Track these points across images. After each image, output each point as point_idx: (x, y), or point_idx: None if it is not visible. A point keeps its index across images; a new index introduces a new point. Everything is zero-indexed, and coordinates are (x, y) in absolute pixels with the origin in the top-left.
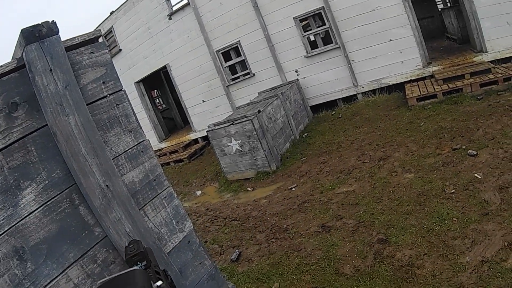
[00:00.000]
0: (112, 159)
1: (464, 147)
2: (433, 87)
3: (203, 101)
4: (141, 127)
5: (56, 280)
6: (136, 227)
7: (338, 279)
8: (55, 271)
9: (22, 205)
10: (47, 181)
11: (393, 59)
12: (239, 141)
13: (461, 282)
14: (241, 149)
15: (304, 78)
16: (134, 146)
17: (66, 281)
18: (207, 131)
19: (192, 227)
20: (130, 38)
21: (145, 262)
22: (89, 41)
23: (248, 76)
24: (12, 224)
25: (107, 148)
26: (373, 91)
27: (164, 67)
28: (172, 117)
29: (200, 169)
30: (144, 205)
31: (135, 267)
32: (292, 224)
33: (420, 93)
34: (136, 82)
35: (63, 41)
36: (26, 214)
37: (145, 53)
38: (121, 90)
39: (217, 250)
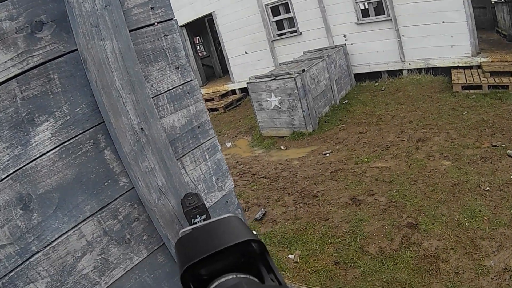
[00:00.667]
0: (152, 97)
1: (504, 145)
2: (480, 78)
3: (246, 53)
4: (190, 65)
5: (66, 235)
6: (170, 181)
7: (361, 257)
8: (66, 225)
9: (34, 144)
10: (68, 117)
11: (443, 42)
12: (279, 98)
13: (481, 286)
14: (279, 106)
15: (352, 44)
16: (179, 85)
17: (78, 238)
18: (247, 83)
19: (232, 186)
20: None
21: (204, 216)
22: None
23: (294, 34)
24: (20, 167)
25: (147, 84)
26: (419, 70)
27: (210, 14)
28: (212, 65)
29: (235, 121)
30: (183, 156)
31: (228, 215)
32: (322, 191)
33: (466, 81)
34: (180, 26)
35: None
36: (38, 155)
37: None
38: (172, 19)
39: (242, 206)
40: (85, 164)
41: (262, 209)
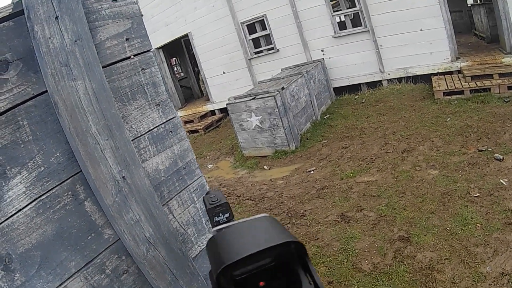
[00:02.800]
0: (132, 140)
1: (490, 149)
2: (461, 83)
3: (224, 73)
4: (171, 101)
5: None
6: (158, 231)
7: (355, 275)
8: (51, 284)
9: (8, 200)
10: (42, 168)
11: (422, 50)
12: (260, 117)
13: None
14: (260, 125)
15: (329, 58)
16: (161, 124)
17: None
18: (226, 104)
19: None
20: (153, 4)
21: (227, 214)
22: None
23: (272, 51)
24: None
25: (126, 126)
26: (399, 79)
27: (186, 35)
28: (190, 86)
29: (215, 142)
30: (170, 200)
31: (263, 214)
32: (309, 210)
33: (447, 87)
34: (156, 48)
35: None
36: (14, 212)
37: (167, 20)
38: (149, 51)
39: None
40: (65, 219)
41: None
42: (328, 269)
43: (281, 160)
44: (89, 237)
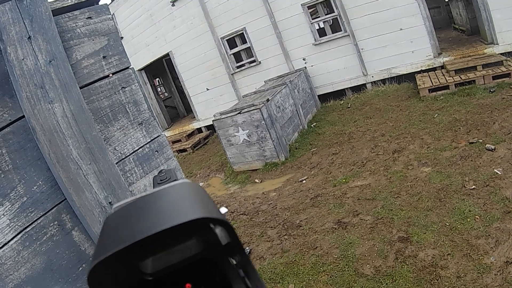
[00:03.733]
0: (117, 163)
1: (481, 141)
2: (445, 78)
3: (207, 89)
4: (155, 118)
5: None
6: None
7: (358, 280)
8: None
9: None
10: (25, 198)
11: (404, 49)
12: (247, 131)
13: (486, 284)
14: (248, 139)
15: (312, 66)
16: (146, 144)
17: None
18: (213, 120)
19: None
20: (132, 26)
21: None
22: (87, 2)
23: (254, 63)
24: None
25: (110, 148)
26: (383, 81)
27: (167, 54)
28: (175, 106)
29: (205, 159)
30: None
31: (181, 180)
32: (305, 219)
33: (432, 84)
34: (138, 70)
35: (50, 1)
36: None
37: (147, 40)
38: (128, 68)
39: None
40: (53, 250)
41: (247, 247)
42: (330, 277)
43: (272, 172)
44: (80, 268)
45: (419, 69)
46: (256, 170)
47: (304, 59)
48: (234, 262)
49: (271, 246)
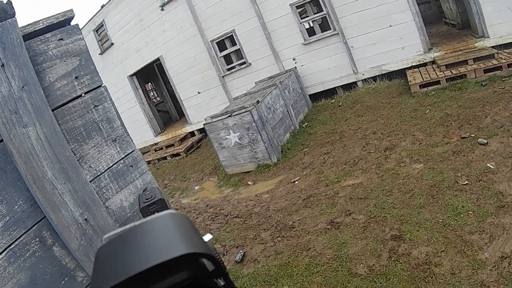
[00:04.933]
0: (92, 180)
1: (473, 135)
2: (436, 73)
3: (199, 93)
4: (128, 134)
5: None
6: None
7: (352, 280)
8: None
9: None
10: (7, 217)
11: (394, 45)
12: (238, 134)
13: (481, 280)
14: (240, 142)
15: (302, 66)
16: (120, 160)
17: None
18: (204, 124)
19: None
20: (122, 31)
21: None
22: (58, 24)
23: (244, 65)
24: None
25: (85, 166)
26: (374, 78)
27: (158, 59)
28: (167, 110)
29: (198, 163)
30: None
31: (167, 211)
32: (298, 220)
33: (423, 79)
34: (130, 75)
35: (22, 26)
36: None
37: (138, 45)
38: (100, 86)
39: (220, 250)
40: (36, 265)
41: (241, 250)
42: (324, 278)
43: (264, 174)
44: (63, 281)
45: (409, 65)
46: (248, 172)
47: (294, 59)
48: (220, 284)
49: (265, 248)
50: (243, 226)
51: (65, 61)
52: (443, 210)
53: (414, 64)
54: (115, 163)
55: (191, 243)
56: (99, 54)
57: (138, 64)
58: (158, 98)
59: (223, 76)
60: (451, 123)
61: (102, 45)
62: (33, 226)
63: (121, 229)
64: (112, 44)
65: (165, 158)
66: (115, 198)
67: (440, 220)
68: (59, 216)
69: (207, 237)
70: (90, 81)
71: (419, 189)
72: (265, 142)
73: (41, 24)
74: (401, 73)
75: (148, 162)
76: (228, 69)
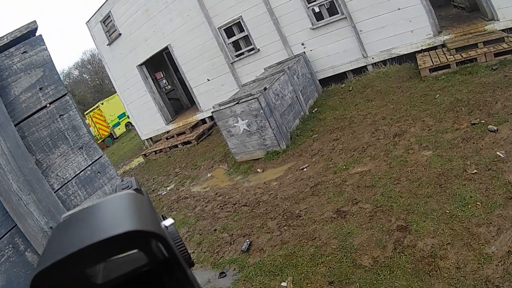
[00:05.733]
0: (60, 188)
1: (483, 121)
2: (446, 57)
3: (208, 80)
4: (95, 141)
5: None
6: None
7: (355, 272)
8: None
9: None
10: None
11: (403, 29)
12: (246, 121)
13: (487, 276)
14: (248, 129)
15: (311, 50)
16: (87, 166)
17: None
18: (212, 112)
19: None
20: (129, 21)
21: None
22: (22, 37)
23: (252, 51)
24: None
25: (52, 175)
26: (384, 62)
27: (166, 48)
28: (178, 98)
29: (209, 151)
30: None
31: (125, 191)
32: (305, 209)
33: (433, 63)
34: (139, 65)
35: None
36: None
37: (146, 35)
38: (65, 95)
39: (227, 239)
40: (11, 270)
41: (247, 240)
42: (328, 268)
43: (273, 161)
44: None
45: (419, 49)
46: (258, 159)
47: (303, 44)
48: (174, 277)
49: (271, 237)
50: (250, 214)
51: (29, 74)
52: (451, 200)
53: (424, 48)
54: (82, 170)
55: (141, 222)
56: (107, 45)
57: (146, 53)
58: (169, 86)
59: (232, 63)
60: (461, 109)
61: (110, 35)
62: (6, 234)
63: (79, 208)
64: (120, 34)
65: (176, 146)
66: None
67: (447, 211)
68: (26, 225)
69: (168, 222)
70: (54, 91)
71: (427, 177)
72: (273, 129)
73: (5, 39)
74: (411, 57)
75: (160, 151)
76: (237, 56)
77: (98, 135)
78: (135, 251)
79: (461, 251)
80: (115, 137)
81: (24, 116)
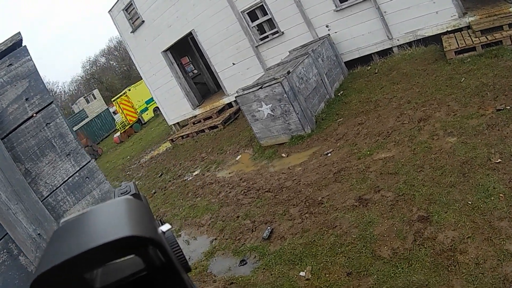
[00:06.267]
0: (49, 195)
1: (508, 107)
2: (471, 39)
3: (233, 64)
4: (82, 147)
5: None
6: None
7: (374, 263)
8: None
9: None
10: None
11: (427, 10)
12: (270, 105)
13: (505, 274)
14: (272, 113)
15: (335, 33)
16: (75, 172)
17: None
18: (236, 97)
19: None
20: (152, 8)
21: None
22: (7, 50)
23: (277, 34)
24: None
25: (41, 183)
26: (409, 44)
27: (190, 33)
28: (205, 82)
29: (235, 135)
30: None
31: (123, 197)
32: (327, 196)
33: (458, 45)
34: (163, 51)
35: None
36: None
37: (169, 21)
38: (51, 103)
39: (249, 226)
40: (6, 273)
41: (269, 227)
42: (347, 259)
43: (298, 146)
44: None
45: (444, 30)
46: (282, 144)
47: (327, 26)
48: (170, 283)
49: (292, 225)
50: (273, 201)
51: (15, 85)
52: (473, 191)
53: (449, 29)
54: (70, 176)
55: (137, 227)
56: (131, 32)
57: (170, 39)
58: (195, 71)
59: (256, 46)
60: (487, 93)
61: (133, 23)
62: (0, 239)
63: (77, 213)
64: (143, 21)
65: (203, 131)
66: (72, 209)
67: (469, 202)
68: (16, 233)
69: (166, 227)
70: (40, 100)
71: (451, 165)
72: (297, 113)
73: None
74: (436, 39)
75: (187, 135)
76: (261, 39)
77: (125, 121)
78: (132, 256)
79: (481, 245)
80: (143, 122)
81: (12, 128)
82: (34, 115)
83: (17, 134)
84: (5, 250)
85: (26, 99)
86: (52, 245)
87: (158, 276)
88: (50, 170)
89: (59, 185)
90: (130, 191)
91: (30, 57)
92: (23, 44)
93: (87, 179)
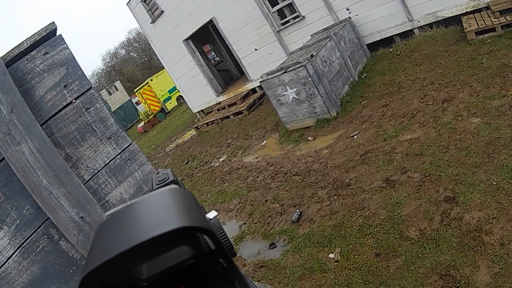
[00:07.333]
0: (90, 178)
1: None
2: (491, 19)
3: (256, 50)
4: (123, 130)
5: None
6: None
7: (402, 244)
8: None
9: None
10: (18, 221)
11: None
12: (295, 89)
13: None
14: (297, 97)
15: (356, 15)
16: (117, 155)
17: None
18: (260, 82)
19: None
20: None
21: None
22: (42, 40)
23: (298, 19)
24: None
25: (82, 167)
26: (430, 25)
27: (210, 21)
28: (228, 69)
29: (260, 120)
30: None
31: (168, 187)
32: (354, 178)
33: (478, 26)
34: (184, 40)
35: (8, 51)
36: (5, 260)
37: (188, 10)
38: (90, 89)
39: (278, 209)
40: (46, 258)
41: (298, 210)
42: (376, 240)
43: (324, 129)
44: (71, 270)
45: (464, 11)
46: (308, 127)
47: (347, 9)
48: (220, 268)
49: (321, 207)
50: (301, 184)
51: (52, 73)
52: (498, 171)
53: (469, 10)
54: (112, 159)
55: (188, 217)
56: (151, 23)
57: (191, 28)
58: (217, 58)
59: (278, 31)
60: (508, 74)
61: (152, 14)
62: (40, 226)
63: (122, 206)
64: (162, 11)
65: (228, 117)
66: (114, 192)
67: (494, 183)
68: (57, 217)
69: (212, 214)
70: (79, 86)
71: (475, 146)
72: (322, 96)
73: (25, 44)
74: (456, 20)
75: (212, 122)
76: (283, 24)
77: (149, 111)
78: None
79: (506, 226)
80: (166, 111)
81: (50, 114)
82: (74, 101)
83: (56, 120)
84: (45, 236)
85: (65, 86)
86: (99, 240)
87: (207, 263)
88: (91, 153)
89: (100, 168)
90: (169, 178)
91: (67, 45)
92: (57, 33)
93: (128, 161)
